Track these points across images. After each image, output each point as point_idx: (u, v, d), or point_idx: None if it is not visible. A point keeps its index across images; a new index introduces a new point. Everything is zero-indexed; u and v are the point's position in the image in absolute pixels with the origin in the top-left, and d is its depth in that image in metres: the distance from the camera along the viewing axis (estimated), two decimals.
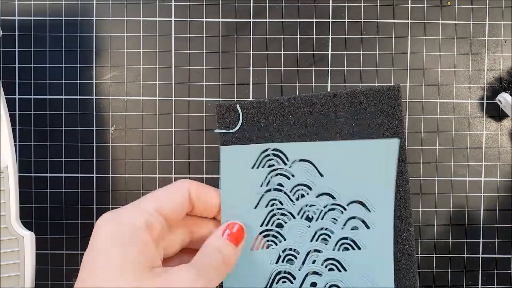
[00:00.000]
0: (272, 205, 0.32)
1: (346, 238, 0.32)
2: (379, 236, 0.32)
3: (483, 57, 0.42)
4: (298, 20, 0.42)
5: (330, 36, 0.42)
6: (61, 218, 0.42)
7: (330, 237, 0.32)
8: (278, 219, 0.32)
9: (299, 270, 0.32)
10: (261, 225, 0.32)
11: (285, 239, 0.32)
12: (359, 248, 0.32)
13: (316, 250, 0.32)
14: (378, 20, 0.42)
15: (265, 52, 0.42)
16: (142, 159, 0.42)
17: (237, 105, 0.38)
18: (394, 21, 0.42)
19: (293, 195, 0.32)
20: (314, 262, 0.32)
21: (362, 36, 0.42)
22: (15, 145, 0.41)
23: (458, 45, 0.42)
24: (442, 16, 0.42)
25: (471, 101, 0.42)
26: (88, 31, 0.42)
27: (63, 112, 0.42)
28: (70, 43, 0.42)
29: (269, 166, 0.32)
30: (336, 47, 0.42)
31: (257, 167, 0.32)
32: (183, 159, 0.42)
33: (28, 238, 0.34)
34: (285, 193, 0.32)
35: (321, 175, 0.32)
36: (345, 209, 0.31)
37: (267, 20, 0.42)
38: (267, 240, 0.32)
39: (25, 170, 0.42)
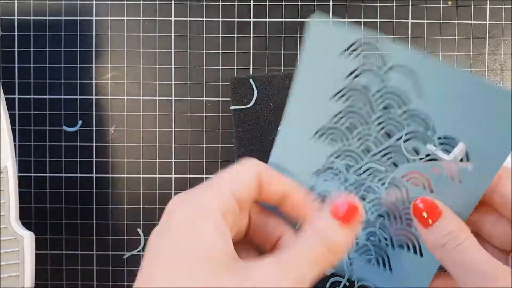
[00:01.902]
0: (350, 105, 0.25)
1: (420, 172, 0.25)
2: (465, 194, 0.25)
3: (483, 57, 0.42)
4: (298, 19, 0.42)
5: None
6: (61, 218, 0.42)
7: (400, 163, 0.25)
8: (350, 122, 0.26)
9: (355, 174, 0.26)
10: (330, 120, 0.26)
11: (348, 142, 0.26)
12: (431, 191, 0.25)
13: (376, 170, 0.26)
14: (378, 20, 0.42)
15: (265, 52, 0.42)
16: (142, 159, 0.42)
17: (250, 79, 0.38)
18: (394, 20, 0.42)
19: (378, 103, 0.25)
20: (374, 176, 0.26)
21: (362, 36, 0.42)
22: (15, 145, 0.41)
23: (459, 45, 0.42)
24: (442, 16, 0.42)
25: None
26: (87, 31, 0.42)
27: (62, 112, 0.42)
28: (70, 43, 0.42)
29: (361, 59, 0.25)
30: None
31: (346, 57, 0.25)
32: (183, 159, 0.42)
33: (28, 238, 0.34)
34: (367, 96, 0.25)
35: (419, 96, 0.24)
36: (434, 145, 0.25)
37: (267, 19, 0.42)
38: (331, 133, 0.26)
39: (24, 170, 0.42)
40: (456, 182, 0.25)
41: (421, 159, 0.25)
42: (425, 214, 0.24)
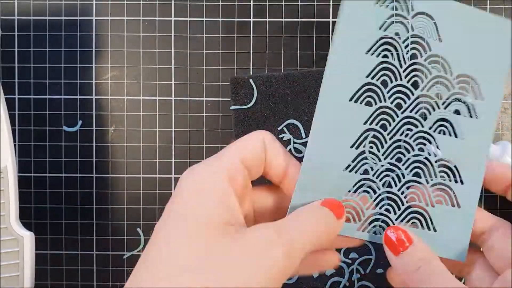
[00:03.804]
0: (384, 56, 0.27)
1: (445, 120, 0.27)
2: (480, 128, 0.27)
3: None
4: (299, 19, 0.42)
5: (330, 35, 0.42)
6: (61, 218, 0.42)
7: (430, 113, 0.27)
8: (384, 74, 0.27)
9: (388, 137, 0.27)
10: (367, 76, 0.27)
11: (383, 100, 0.27)
12: (456, 136, 0.27)
13: (411, 123, 0.27)
14: None
15: (265, 52, 0.42)
16: (142, 159, 0.42)
17: (250, 80, 0.38)
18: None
19: (406, 52, 0.27)
20: (406, 135, 0.27)
21: None
22: (15, 145, 0.41)
23: None
24: None
25: None
26: (87, 31, 0.42)
27: (62, 112, 0.42)
28: (70, 43, 0.42)
29: (392, 8, 0.27)
30: None
31: (380, 5, 0.27)
32: (183, 159, 0.42)
33: (28, 238, 0.34)
34: (398, 45, 0.27)
35: (440, 40, 0.27)
36: (453, 86, 0.27)
37: (267, 19, 0.42)
38: (368, 96, 0.27)
39: (24, 170, 0.42)
40: (474, 118, 0.27)
41: (443, 104, 0.27)
42: (395, 241, 0.25)
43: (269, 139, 0.25)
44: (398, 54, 0.27)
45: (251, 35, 0.42)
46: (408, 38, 0.27)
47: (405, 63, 0.27)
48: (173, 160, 0.42)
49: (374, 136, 0.27)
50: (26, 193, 0.41)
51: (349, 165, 0.26)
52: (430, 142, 0.27)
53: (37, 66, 0.42)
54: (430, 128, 0.27)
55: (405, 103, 0.27)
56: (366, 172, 0.26)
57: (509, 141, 0.40)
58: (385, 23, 0.26)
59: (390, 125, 0.27)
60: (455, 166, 0.27)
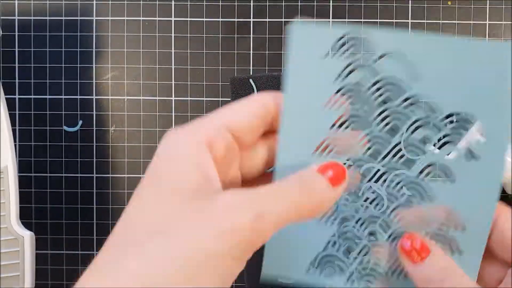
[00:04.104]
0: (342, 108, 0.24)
1: (435, 164, 0.24)
2: (483, 172, 0.23)
3: None
4: (299, 19, 0.42)
5: None
6: (61, 218, 0.42)
7: (414, 161, 0.24)
8: (352, 127, 0.24)
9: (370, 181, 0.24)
10: (331, 128, 0.24)
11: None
12: (452, 181, 0.24)
13: (395, 174, 0.24)
14: (378, 20, 0.42)
15: (265, 52, 0.42)
16: (142, 159, 0.42)
17: (250, 80, 0.38)
18: (394, 21, 0.42)
19: (375, 97, 0.23)
20: (387, 186, 0.24)
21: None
22: (15, 145, 0.41)
23: None
24: (442, 16, 0.42)
25: None
26: (88, 31, 0.42)
27: (63, 112, 0.42)
28: (70, 43, 0.42)
29: (349, 56, 0.23)
30: None
31: (332, 56, 0.23)
32: None
33: (28, 238, 0.34)
34: (363, 92, 0.23)
35: (418, 78, 0.23)
36: (444, 125, 0.23)
37: (267, 20, 0.42)
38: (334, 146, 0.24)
39: (25, 170, 0.42)
40: (473, 160, 0.24)
41: (435, 146, 0.24)
42: (414, 253, 0.23)
43: (276, 103, 0.23)
44: (364, 102, 0.23)
45: (251, 35, 0.42)
46: (376, 82, 0.23)
47: (375, 111, 0.23)
48: None
49: (349, 194, 0.24)
50: (26, 193, 0.42)
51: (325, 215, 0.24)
52: (419, 192, 0.24)
53: (37, 66, 0.42)
54: (418, 176, 0.24)
55: (379, 153, 0.24)
56: (344, 220, 0.24)
57: (509, 137, 0.40)
58: (342, 73, 0.23)
59: (365, 177, 0.24)
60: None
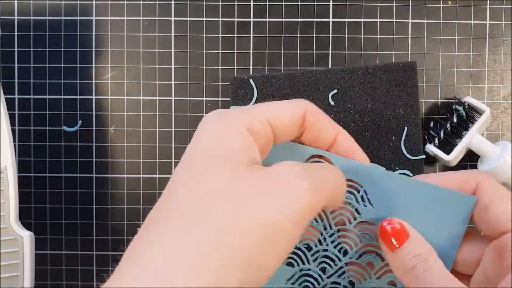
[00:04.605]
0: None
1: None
2: None
3: (484, 57, 0.42)
4: (299, 19, 0.42)
5: (330, 35, 0.42)
6: (61, 218, 0.42)
7: (360, 282, 0.25)
8: (306, 242, 0.25)
9: None
10: None
11: (306, 263, 0.25)
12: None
13: None
14: (378, 20, 0.42)
15: (265, 52, 0.42)
16: (142, 159, 0.42)
17: (250, 80, 0.38)
18: (394, 20, 0.42)
19: (332, 217, 0.25)
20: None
21: (362, 36, 0.42)
22: (15, 145, 0.41)
23: (459, 45, 0.42)
24: (442, 16, 0.42)
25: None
26: (87, 31, 0.42)
27: (62, 112, 0.42)
28: (70, 42, 0.42)
29: None
30: (337, 46, 0.42)
31: None
32: None
33: (28, 238, 0.34)
34: (322, 215, 0.25)
35: (372, 206, 0.24)
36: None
37: (267, 19, 0.42)
38: (288, 257, 0.25)
39: (24, 170, 0.42)
40: None
41: (375, 275, 0.25)
42: (393, 239, 0.23)
43: (313, 110, 0.24)
44: (322, 219, 0.25)
45: (251, 35, 0.42)
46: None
47: (331, 228, 0.25)
48: (173, 160, 0.42)
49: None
50: (26, 193, 0.41)
51: None
52: None
53: (37, 66, 0.42)
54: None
55: (331, 267, 0.25)
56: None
57: (509, 141, 0.40)
58: None
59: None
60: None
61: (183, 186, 0.20)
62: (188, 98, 0.42)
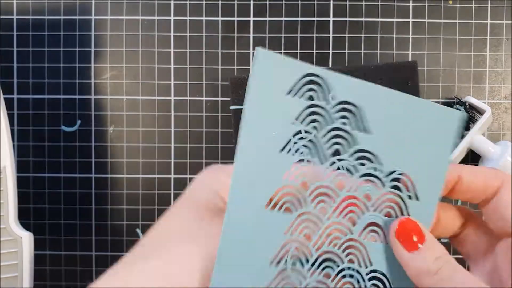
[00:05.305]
0: (301, 153, 0.23)
1: (376, 224, 0.24)
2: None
3: (484, 57, 0.42)
4: (299, 19, 0.41)
5: (331, 35, 0.42)
6: (60, 219, 0.42)
7: (358, 217, 0.24)
8: (303, 179, 0.23)
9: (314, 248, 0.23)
10: (284, 178, 0.23)
11: (305, 202, 0.23)
12: (387, 243, 0.24)
13: (339, 230, 0.24)
14: (379, 19, 0.41)
15: None
16: (141, 159, 0.42)
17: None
18: (395, 20, 0.41)
19: (327, 146, 0.23)
20: (334, 245, 0.24)
21: (363, 35, 0.41)
22: (13, 145, 0.41)
23: (460, 45, 0.42)
24: (443, 15, 0.42)
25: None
26: (86, 30, 0.42)
27: (61, 112, 0.42)
28: (69, 42, 0.41)
29: (308, 98, 0.23)
30: (337, 46, 0.42)
31: (294, 95, 0.23)
32: (183, 159, 0.42)
33: (27, 238, 0.34)
34: (317, 140, 0.23)
35: (367, 131, 0.23)
36: (383, 185, 0.24)
37: (267, 19, 0.42)
38: (286, 201, 0.23)
39: (23, 170, 0.41)
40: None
41: (372, 206, 0.24)
42: (414, 237, 0.22)
43: None
44: (317, 150, 0.23)
45: (251, 35, 0.42)
46: (329, 131, 0.23)
47: (326, 160, 0.23)
48: (172, 160, 0.42)
49: (297, 249, 0.23)
50: (25, 193, 0.41)
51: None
52: (360, 252, 0.24)
53: (35, 66, 0.41)
54: (359, 236, 0.23)
55: (331, 206, 0.23)
56: None
57: (509, 141, 0.39)
58: (300, 116, 0.23)
59: (314, 233, 0.23)
60: (386, 277, 0.24)
61: (161, 220, 0.25)
62: (188, 98, 0.42)
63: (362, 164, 0.23)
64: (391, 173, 0.23)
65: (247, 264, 0.22)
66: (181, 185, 0.42)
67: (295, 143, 0.23)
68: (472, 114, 0.39)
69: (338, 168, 0.23)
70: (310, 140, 0.23)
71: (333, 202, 0.23)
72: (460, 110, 0.39)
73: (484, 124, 0.39)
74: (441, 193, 0.24)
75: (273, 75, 0.23)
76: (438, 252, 0.22)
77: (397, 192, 0.23)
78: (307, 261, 0.23)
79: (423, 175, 0.24)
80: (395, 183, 0.23)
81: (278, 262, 0.22)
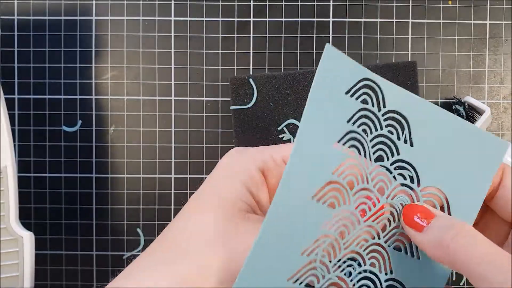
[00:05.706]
0: (350, 155, 0.24)
1: (403, 234, 0.24)
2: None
3: (484, 57, 0.42)
4: (299, 19, 0.42)
5: (330, 35, 0.42)
6: (61, 219, 0.42)
7: (390, 224, 0.24)
8: (350, 173, 0.24)
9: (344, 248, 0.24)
10: (333, 173, 0.23)
11: (348, 201, 0.24)
12: (412, 255, 0.24)
13: (370, 234, 0.24)
14: (378, 20, 0.42)
15: (265, 52, 0.42)
16: (142, 159, 0.42)
17: (250, 79, 0.38)
18: (394, 20, 0.42)
19: (373, 152, 0.24)
20: (361, 246, 0.24)
21: (362, 36, 0.42)
22: (14, 145, 0.41)
23: (459, 45, 0.42)
24: (443, 16, 0.42)
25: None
26: (87, 31, 0.42)
27: (62, 112, 0.42)
28: (70, 42, 0.42)
29: (362, 101, 0.23)
30: (337, 46, 0.42)
31: (351, 95, 0.23)
32: (183, 159, 0.42)
33: (28, 238, 0.34)
34: (366, 143, 0.24)
35: (411, 144, 0.23)
36: (418, 199, 0.24)
37: (267, 19, 0.42)
38: (331, 196, 0.24)
39: (24, 170, 0.42)
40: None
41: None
42: (420, 216, 0.22)
43: None
44: (365, 153, 0.24)
45: (251, 35, 0.42)
46: (376, 137, 0.24)
47: (371, 164, 0.23)
48: (173, 160, 0.42)
49: (329, 244, 0.23)
50: (26, 193, 0.41)
51: (294, 275, 0.23)
52: (383, 258, 0.24)
53: (36, 66, 0.42)
54: (385, 242, 0.24)
55: (370, 210, 0.24)
56: (310, 284, 0.23)
57: (509, 141, 0.40)
58: (353, 116, 0.23)
59: (349, 233, 0.23)
60: (402, 285, 0.24)
61: (177, 221, 0.24)
62: (188, 98, 0.42)
63: (401, 175, 0.24)
64: (424, 189, 0.24)
65: (280, 251, 0.23)
66: (181, 184, 0.42)
67: (348, 141, 0.23)
68: (471, 114, 0.39)
69: (380, 173, 0.24)
70: (359, 141, 0.23)
71: (374, 206, 0.23)
72: (460, 110, 0.39)
73: (484, 124, 0.39)
74: (475, 218, 0.24)
75: (337, 72, 0.23)
76: (449, 221, 0.22)
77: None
78: (335, 257, 0.23)
79: (459, 197, 0.24)
80: (429, 198, 0.24)
81: (309, 254, 0.23)
